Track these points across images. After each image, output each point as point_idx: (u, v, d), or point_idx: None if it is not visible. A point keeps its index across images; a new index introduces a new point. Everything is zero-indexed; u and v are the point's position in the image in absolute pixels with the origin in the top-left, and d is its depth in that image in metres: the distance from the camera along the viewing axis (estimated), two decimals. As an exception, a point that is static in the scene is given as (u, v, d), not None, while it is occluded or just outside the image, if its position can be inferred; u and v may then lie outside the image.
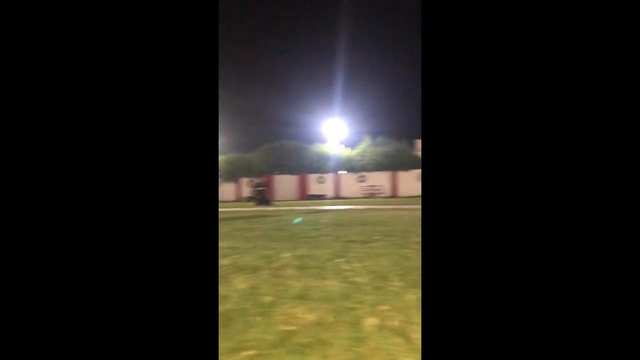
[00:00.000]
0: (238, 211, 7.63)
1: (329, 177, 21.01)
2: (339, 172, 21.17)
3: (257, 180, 9.74)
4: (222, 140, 23.68)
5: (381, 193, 20.20)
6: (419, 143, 28.76)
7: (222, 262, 1.76)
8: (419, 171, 20.19)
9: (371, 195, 19.89)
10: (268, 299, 1.15)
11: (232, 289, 1.27)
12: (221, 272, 1.54)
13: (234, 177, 22.42)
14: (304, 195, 20.49)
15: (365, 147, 21.25)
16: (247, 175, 21.90)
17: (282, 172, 21.02)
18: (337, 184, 21.10)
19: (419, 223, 3.35)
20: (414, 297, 1.11)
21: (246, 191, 21.41)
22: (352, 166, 21.07)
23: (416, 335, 0.84)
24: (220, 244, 2.34)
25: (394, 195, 20.01)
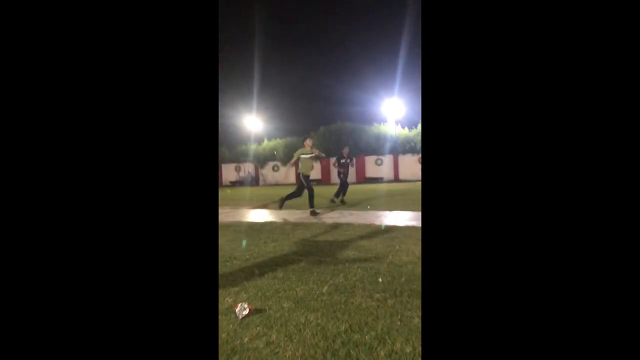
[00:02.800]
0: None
1: (387, 159, 20.49)
2: (398, 154, 20.49)
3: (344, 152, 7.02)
4: (279, 126, 24.16)
5: (443, 175, 19.17)
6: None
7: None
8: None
9: (432, 178, 18.99)
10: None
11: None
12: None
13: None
14: (362, 177, 20.30)
15: (425, 127, 20.20)
16: (305, 158, 22.23)
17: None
18: (395, 165, 20.52)
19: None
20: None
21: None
22: (411, 147, 20.24)
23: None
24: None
25: (456, 178, 18.88)
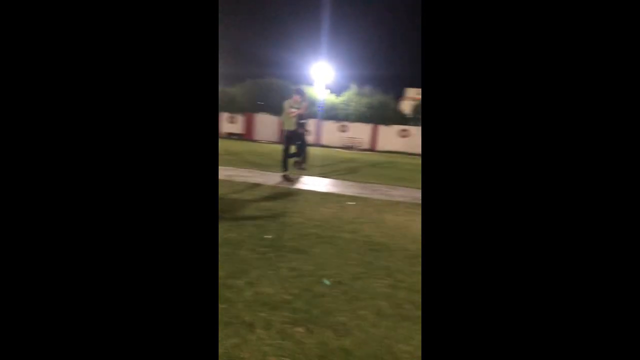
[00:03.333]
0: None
1: (311, 123, 20.80)
2: (321, 119, 20.90)
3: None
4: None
5: (360, 145, 20.37)
6: (409, 92, 28.21)
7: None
8: (400, 127, 20.29)
9: (350, 147, 20.07)
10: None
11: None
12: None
13: (214, 110, 21.70)
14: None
15: (350, 96, 20.85)
16: (229, 110, 21.32)
17: (264, 111, 20.62)
18: (318, 130, 20.99)
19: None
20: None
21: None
22: (335, 114, 20.83)
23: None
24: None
25: (372, 149, 20.25)
